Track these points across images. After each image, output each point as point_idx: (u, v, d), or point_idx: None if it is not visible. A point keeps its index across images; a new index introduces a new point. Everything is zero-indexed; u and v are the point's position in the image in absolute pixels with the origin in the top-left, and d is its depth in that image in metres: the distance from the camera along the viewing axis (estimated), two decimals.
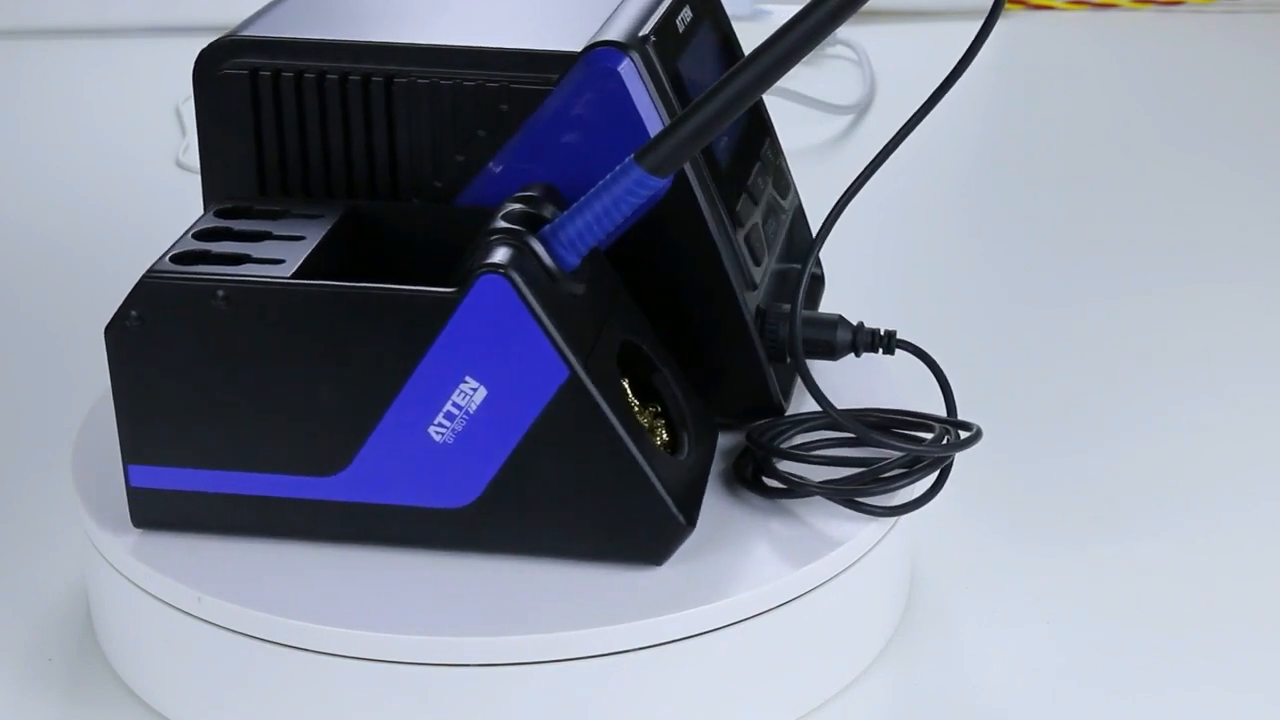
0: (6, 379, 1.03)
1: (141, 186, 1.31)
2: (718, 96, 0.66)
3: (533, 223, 0.69)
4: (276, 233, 0.71)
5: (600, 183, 0.68)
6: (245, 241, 0.70)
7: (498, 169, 0.74)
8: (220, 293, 0.67)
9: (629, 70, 0.72)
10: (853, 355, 0.79)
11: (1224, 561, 0.84)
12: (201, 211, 0.76)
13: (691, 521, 0.69)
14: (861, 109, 1.49)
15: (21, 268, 1.19)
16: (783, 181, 0.86)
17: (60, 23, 1.68)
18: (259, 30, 0.77)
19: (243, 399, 0.68)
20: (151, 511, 0.71)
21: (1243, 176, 1.35)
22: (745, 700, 0.70)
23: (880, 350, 0.79)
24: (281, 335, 0.67)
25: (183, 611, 0.69)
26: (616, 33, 0.74)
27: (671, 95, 0.73)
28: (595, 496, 0.68)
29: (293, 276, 0.68)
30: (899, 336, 0.79)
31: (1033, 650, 0.77)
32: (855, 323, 0.79)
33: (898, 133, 0.74)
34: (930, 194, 1.33)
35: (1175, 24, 1.75)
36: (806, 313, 0.78)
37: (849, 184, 0.74)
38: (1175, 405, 0.99)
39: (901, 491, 0.74)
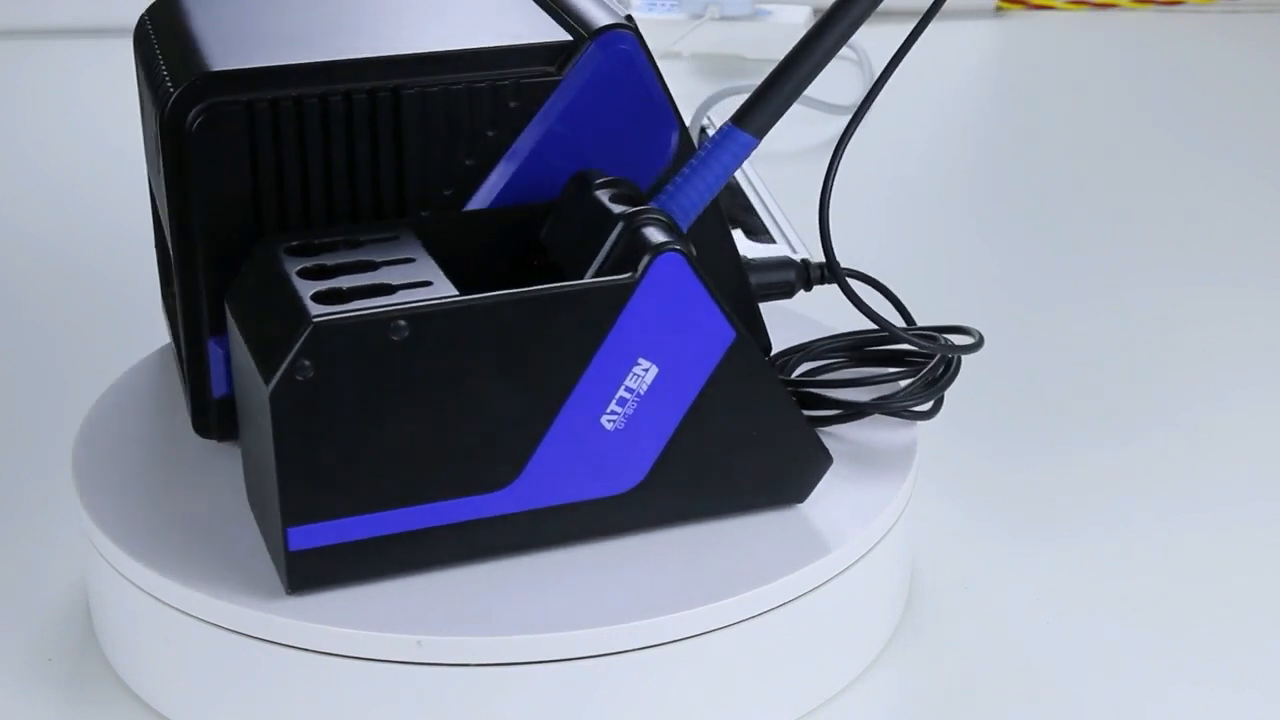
0: (6, 379, 1.03)
1: (141, 186, 1.31)
2: (808, 54, 0.69)
3: (639, 202, 0.70)
4: (378, 259, 0.69)
5: (701, 151, 0.72)
6: (358, 273, 0.68)
7: (512, 167, 0.74)
8: (401, 322, 0.65)
9: (637, 48, 0.74)
10: (803, 291, 0.83)
11: (1224, 561, 0.84)
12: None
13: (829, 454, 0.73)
14: None
15: (21, 268, 1.19)
16: None
17: (60, 23, 1.68)
18: (233, 63, 0.72)
19: (414, 428, 0.66)
20: (311, 573, 0.67)
21: (1243, 176, 1.35)
22: (745, 700, 0.70)
23: (828, 281, 0.82)
24: (460, 354, 0.66)
25: (183, 612, 0.69)
26: (608, 15, 0.75)
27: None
28: (754, 449, 0.71)
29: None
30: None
31: (1033, 650, 0.77)
32: (800, 259, 0.83)
33: (866, 95, 0.78)
34: (929, 193, 1.33)
35: (1175, 24, 1.75)
36: (760, 257, 0.82)
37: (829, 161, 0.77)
38: (1175, 404, 0.99)
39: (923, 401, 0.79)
